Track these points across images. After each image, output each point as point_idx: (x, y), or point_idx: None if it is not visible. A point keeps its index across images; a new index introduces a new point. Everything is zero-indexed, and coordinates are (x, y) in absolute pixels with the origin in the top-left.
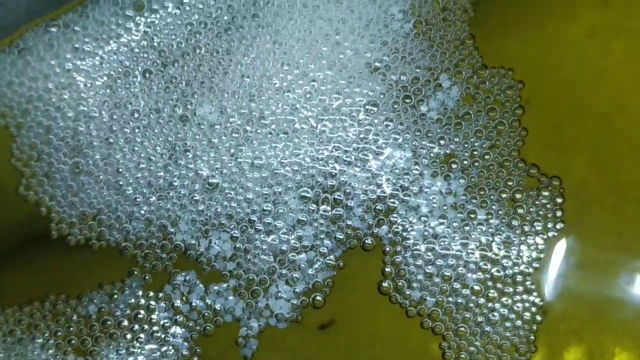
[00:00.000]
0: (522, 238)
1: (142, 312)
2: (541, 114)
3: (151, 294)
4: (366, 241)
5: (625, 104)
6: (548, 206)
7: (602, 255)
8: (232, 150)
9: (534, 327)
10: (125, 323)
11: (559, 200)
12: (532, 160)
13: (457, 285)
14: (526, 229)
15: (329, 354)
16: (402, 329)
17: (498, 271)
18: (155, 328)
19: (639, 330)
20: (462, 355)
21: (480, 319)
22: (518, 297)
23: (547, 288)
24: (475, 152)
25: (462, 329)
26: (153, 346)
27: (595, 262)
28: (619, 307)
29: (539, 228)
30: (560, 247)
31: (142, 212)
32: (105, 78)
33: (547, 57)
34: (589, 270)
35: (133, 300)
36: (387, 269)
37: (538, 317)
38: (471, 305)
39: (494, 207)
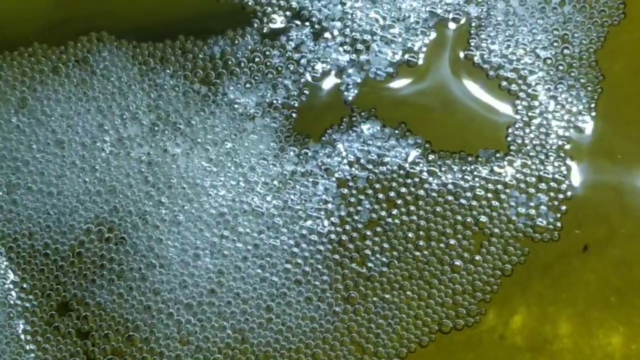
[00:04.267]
0: (590, 20)
1: (259, 56)
2: None
3: (267, 41)
4: (456, 16)
5: None
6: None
7: None
8: None
9: (595, 96)
10: (244, 64)
11: None
12: None
13: (531, 56)
14: (594, 13)
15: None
16: (482, 86)
17: (567, 48)
18: (269, 70)
19: None
20: (532, 112)
21: (549, 85)
22: (583, 70)
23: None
24: None
25: (534, 91)
26: (267, 84)
27: None
28: None
29: (604, 13)
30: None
31: None
32: None
33: None
34: None
35: (251, 46)
36: (472, 40)
37: (598, 89)
38: (541, 74)
39: None
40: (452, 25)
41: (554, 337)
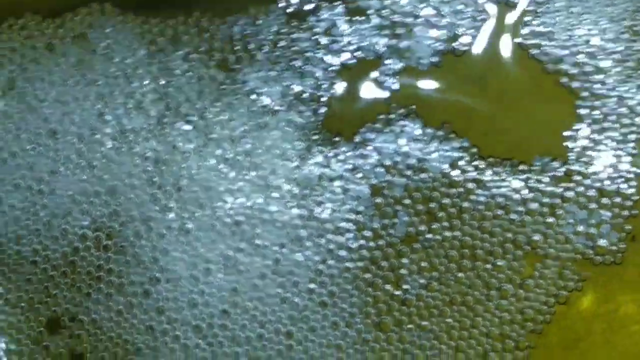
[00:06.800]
0: None
1: (285, 39)
2: None
3: (294, 22)
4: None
5: None
6: None
7: None
8: None
9: None
10: (268, 48)
11: None
12: None
13: (595, 49)
14: None
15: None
16: (538, 82)
17: (636, 41)
18: (296, 56)
19: None
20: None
21: (615, 84)
22: None
23: None
24: None
25: (598, 91)
26: (293, 73)
27: None
28: None
29: None
30: None
31: None
32: None
33: None
34: None
35: (276, 27)
36: (529, 27)
37: None
38: (607, 70)
39: None
40: (506, 10)
41: None
